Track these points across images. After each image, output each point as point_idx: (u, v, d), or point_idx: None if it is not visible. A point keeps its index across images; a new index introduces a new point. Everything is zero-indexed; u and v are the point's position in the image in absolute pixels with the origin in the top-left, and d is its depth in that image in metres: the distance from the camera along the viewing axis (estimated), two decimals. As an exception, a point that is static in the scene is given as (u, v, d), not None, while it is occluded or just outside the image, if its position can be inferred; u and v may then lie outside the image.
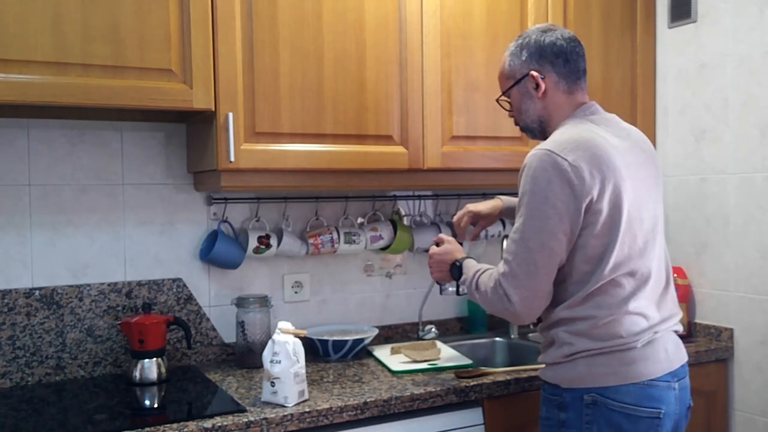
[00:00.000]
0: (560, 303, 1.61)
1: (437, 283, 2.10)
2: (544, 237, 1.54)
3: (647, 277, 1.62)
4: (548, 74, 1.69)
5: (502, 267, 1.62)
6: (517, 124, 1.81)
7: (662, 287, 1.68)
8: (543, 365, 1.70)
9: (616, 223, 1.56)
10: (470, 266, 1.77)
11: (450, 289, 2.16)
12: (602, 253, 1.56)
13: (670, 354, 1.63)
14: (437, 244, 1.91)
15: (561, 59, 1.68)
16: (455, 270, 1.81)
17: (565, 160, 1.54)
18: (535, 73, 1.69)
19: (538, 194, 1.55)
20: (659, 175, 1.75)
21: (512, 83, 1.74)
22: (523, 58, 1.71)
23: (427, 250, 2.49)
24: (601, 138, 1.62)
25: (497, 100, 1.83)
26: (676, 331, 1.69)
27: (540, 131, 1.76)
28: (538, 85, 1.69)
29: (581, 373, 1.59)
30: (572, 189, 1.53)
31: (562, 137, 1.61)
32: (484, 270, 1.71)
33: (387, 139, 2.12)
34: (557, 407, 1.63)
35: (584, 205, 1.53)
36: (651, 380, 1.58)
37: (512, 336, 2.54)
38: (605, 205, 1.55)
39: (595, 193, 1.54)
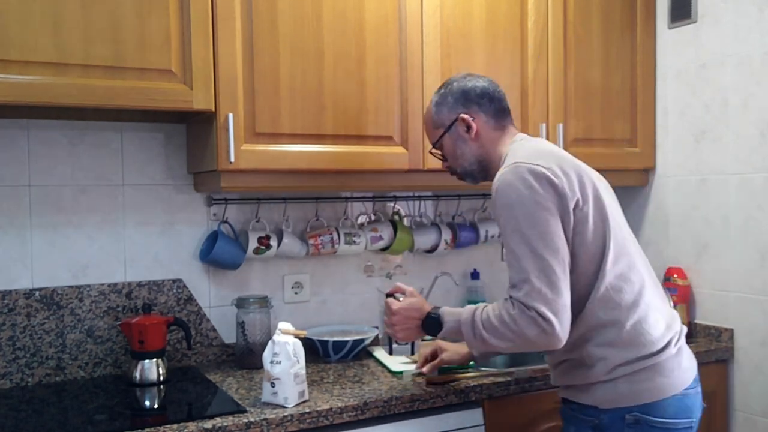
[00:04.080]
0: (578, 314, 1.55)
1: (395, 342, 2.02)
2: (549, 240, 1.49)
3: (642, 272, 1.61)
4: (476, 115, 1.71)
5: (520, 291, 1.49)
6: (453, 172, 1.79)
7: (658, 287, 1.68)
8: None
9: (603, 214, 1.56)
10: (454, 312, 1.64)
11: (403, 345, 2.13)
12: (601, 246, 1.54)
13: (690, 357, 1.65)
14: (392, 296, 1.76)
15: (486, 99, 1.71)
16: (433, 324, 1.66)
17: (538, 165, 1.53)
18: (464, 115, 1.70)
19: (527, 202, 1.50)
20: (609, 187, 1.71)
21: (443, 131, 1.74)
22: (450, 104, 1.72)
23: (427, 251, 2.50)
24: (555, 147, 1.67)
25: (430, 152, 1.81)
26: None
27: (480, 171, 1.76)
28: (469, 127, 1.70)
29: (623, 392, 1.54)
30: (555, 188, 1.51)
31: (522, 152, 1.60)
32: (481, 308, 1.59)
33: (387, 139, 2.12)
34: (593, 428, 1.58)
35: (570, 203, 1.52)
36: (685, 389, 1.57)
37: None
38: (588, 199, 1.55)
39: (576, 189, 1.53)
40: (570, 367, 1.61)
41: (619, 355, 1.54)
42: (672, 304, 1.77)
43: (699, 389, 1.63)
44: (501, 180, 1.55)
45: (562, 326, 1.48)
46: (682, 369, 1.58)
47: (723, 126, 2.39)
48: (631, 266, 1.58)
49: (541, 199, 1.50)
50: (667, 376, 1.55)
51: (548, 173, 1.51)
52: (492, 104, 1.71)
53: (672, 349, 1.57)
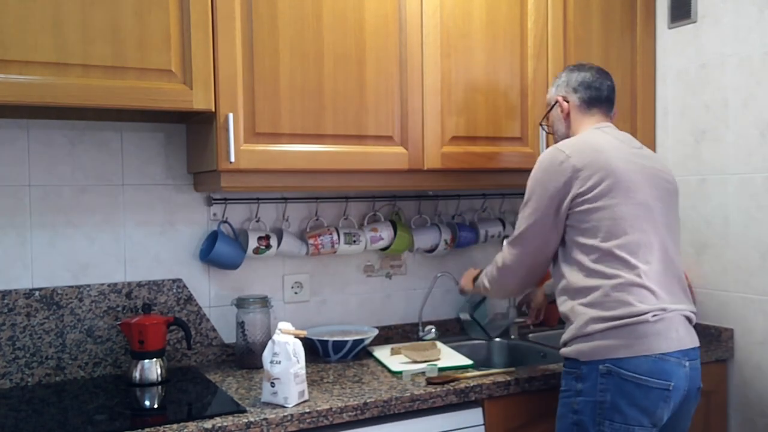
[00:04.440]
0: (571, 277, 1.80)
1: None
2: (536, 213, 1.83)
3: (649, 258, 1.77)
4: (571, 98, 2.00)
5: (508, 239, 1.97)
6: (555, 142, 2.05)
7: (672, 277, 1.81)
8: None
9: (605, 203, 1.76)
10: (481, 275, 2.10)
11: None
12: (595, 227, 1.77)
13: (681, 335, 1.77)
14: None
15: (583, 86, 1.99)
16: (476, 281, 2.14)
17: (563, 152, 1.82)
18: (560, 98, 2.02)
19: (537, 179, 1.85)
20: (671, 188, 1.91)
21: (549, 109, 2.08)
22: (556, 87, 2.05)
23: (427, 251, 2.50)
24: (602, 138, 1.88)
25: (540, 124, 2.21)
26: (689, 319, 1.82)
27: None
28: (563, 108, 2.01)
29: (597, 347, 1.74)
30: (563, 174, 1.79)
31: (571, 139, 1.91)
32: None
33: (387, 139, 2.12)
34: (575, 379, 1.78)
35: (574, 188, 1.78)
36: (662, 354, 1.72)
37: (512, 336, 2.54)
38: (593, 189, 1.77)
39: (583, 176, 1.78)
40: (566, 326, 1.83)
41: (596, 313, 1.74)
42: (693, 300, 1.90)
43: (686, 363, 1.75)
44: (539, 158, 1.89)
45: (506, 267, 1.92)
46: (661, 337, 1.72)
47: (723, 126, 2.39)
48: (632, 250, 1.75)
49: (546, 180, 1.82)
50: (639, 338, 1.71)
51: (564, 163, 1.80)
52: (587, 91, 1.98)
53: (649, 317, 1.72)
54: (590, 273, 1.76)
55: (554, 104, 2.04)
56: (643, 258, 1.76)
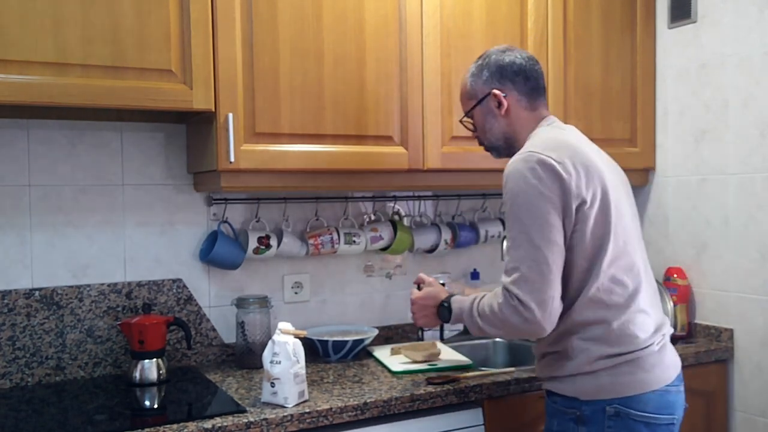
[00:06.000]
0: (566, 309, 1.57)
1: (420, 329, 1.99)
2: (547, 231, 1.51)
3: (641, 274, 1.62)
4: (509, 92, 1.70)
5: (509, 277, 1.54)
6: (481, 143, 1.80)
7: (652, 287, 1.69)
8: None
9: (607, 215, 1.56)
10: (461, 300, 1.71)
11: (432, 332, 2.17)
12: (599, 246, 1.55)
13: (673, 358, 1.66)
14: (418, 286, 1.85)
15: (521, 77, 1.70)
16: (444, 311, 1.74)
17: (550, 157, 1.54)
18: (497, 92, 1.70)
19: (531, 192, 1.52)
20: (627, 182, 1.74)
21: (475, 103, 1.75)
22: (485, 78, 1.72)
23: (427, 251, 2.50)
24: (574, 139, 1.65)
25: (460, 121, 1.83)
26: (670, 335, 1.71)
27: (506, 148, 1.75)
28: (500, 103, 1.71)
29: (604, 385, 1.56)
30: (561, 183, 1.52)
31: (539, 141, 1.62)
32: (482, 296, 1.64)
33: (387, 139, 2.12)
34: (574, 421, 1.59)
35: (574, 200, 1.53)
36: (667, 386, 1.59)
37: (512, 336, 2.54)
38: (595, 198, 1.55)
39: (583, 187, 1.53)
40: (554, 359, 1.63)
41: (602, 349, 1.56)
42: (672, 304, 1.79)
43: (682, 388, 1.65)
44: (511, 167, 1.57)
45: (545, 315, 1.51)
46: (664, 366, 1.60)
47: (723, 126, 2.39)
48: (629, 269, 1.59)
49: (546, 191, 1.51)
50: (648, 371, 1.56)
51: (558, 167, 1.52)
52: (527, 83, 1.70)
53: (654, 347, 1.59)
54: (588, 303, 1.55)
55: (484, 98, 1.71)
56: (635, 276, 1.59)
